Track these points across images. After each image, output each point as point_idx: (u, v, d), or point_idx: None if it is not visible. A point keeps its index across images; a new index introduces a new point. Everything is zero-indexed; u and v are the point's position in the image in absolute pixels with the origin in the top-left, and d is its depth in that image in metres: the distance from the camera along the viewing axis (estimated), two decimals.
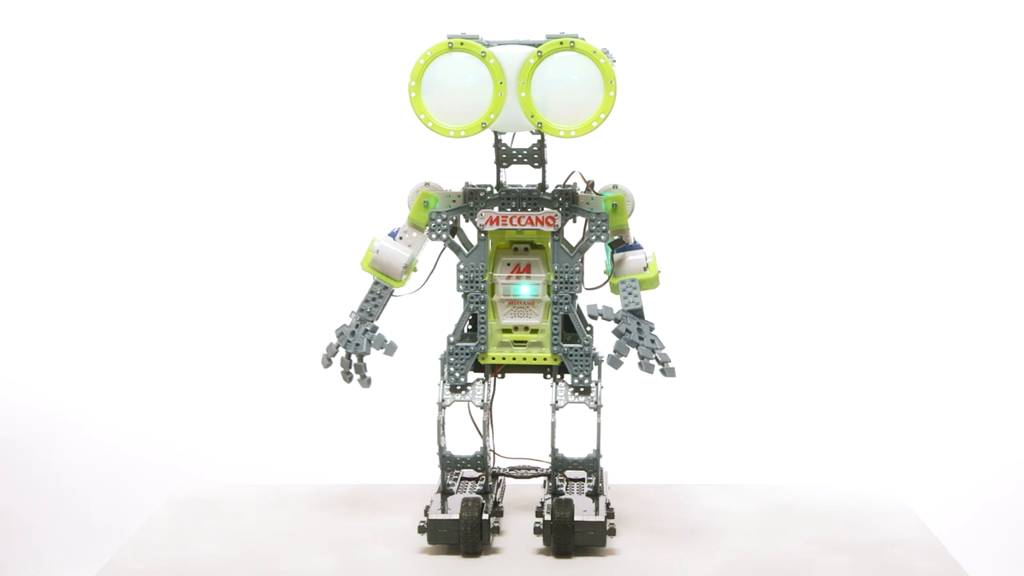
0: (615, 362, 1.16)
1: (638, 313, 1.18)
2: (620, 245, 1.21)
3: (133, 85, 1.91)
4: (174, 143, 1.92)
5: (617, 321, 1.17)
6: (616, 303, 1.19)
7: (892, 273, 1.90)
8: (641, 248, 1.21)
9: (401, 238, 1.21)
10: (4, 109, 1.92)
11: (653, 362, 1.16)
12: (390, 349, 1.20)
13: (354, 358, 1.21)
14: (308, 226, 1.91)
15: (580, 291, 1.20)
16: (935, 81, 1.89)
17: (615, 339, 1.16)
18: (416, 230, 1.21)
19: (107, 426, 1.87)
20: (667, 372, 1.16)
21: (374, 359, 1.21)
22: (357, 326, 1.21)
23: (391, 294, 1.22)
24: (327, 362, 1.22)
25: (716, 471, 1.76)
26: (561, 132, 1.13)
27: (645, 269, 1.20)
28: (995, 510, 1.79)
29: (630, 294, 1.19)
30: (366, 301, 1.21)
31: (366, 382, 1.22)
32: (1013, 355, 1.88)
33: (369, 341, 1.20)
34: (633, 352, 1.16)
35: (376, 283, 1.21)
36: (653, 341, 1.16)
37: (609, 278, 1.21)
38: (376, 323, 1.21)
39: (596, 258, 1.22)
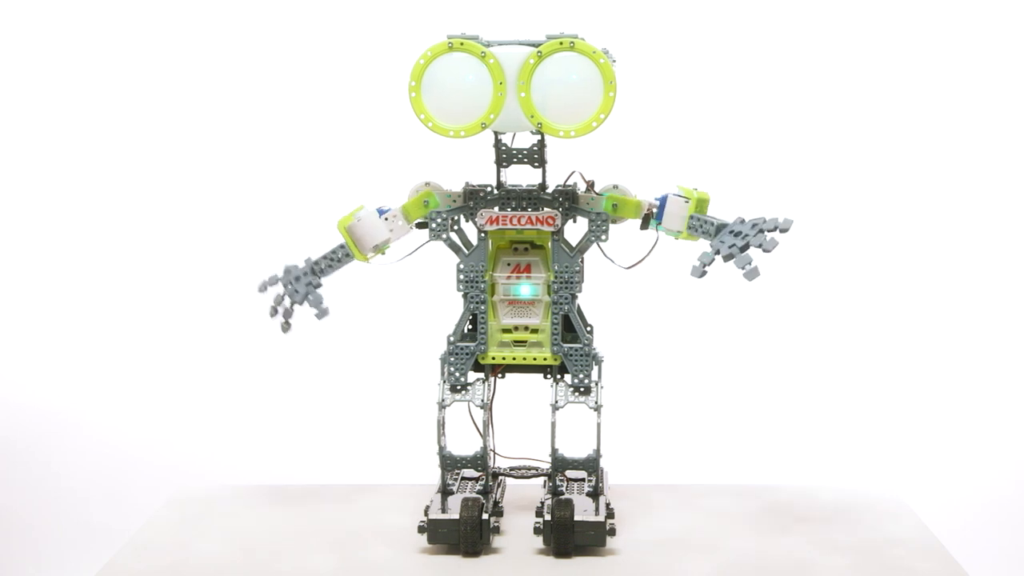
0: (752, 274, 1.12)
1: (722, 228, 1.15)
2: (650, 219, 1.19)
3: (134, 86, 1.91)
4: (175, 144, 1.92)
5: (717, 252, 1.13)
6: (702, 247, 1.15)
7: (892, 273, 1.90)
8: (666, 196, 1.19)
9: (387, 219, 1.21)
10: (4, 109, 1.92)
11: (770, 235, 1.11)
12: (322, 313, 1.21)
13: (287, 300, 1.22)
14: (308, 226, 1.90)
15: (580, 291, 1.20)
16: (935, 81, 1.89)
17: (735, 266, 1.12)
18: (404, 219, 1.21)
19: (107, 426, 1.87)
20: (783, 227, 1.12)
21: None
22: (305, 274, 1.22)
23: (350, 262, 1.22)
24: (263, 289, 1.23)
25: (716, 471, 1.76)
26: (561, 132, 1.13)
27: (687, 203, 1.17)
28: (995, 510, 1.79)
29: (701, 226, 1.16)
30: (324, 258, 1.23)
31: (287, 327, 1.23)
32: (1013, 355, 1.88)
33: (307, 295, 1.21)
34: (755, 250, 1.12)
35: (342, 246, 1.22)
36: (754, 226, 1.13)
37: (674, 236, 1.18)
38: (322, 281, 1.22)
39: (597, 258, 1.22)
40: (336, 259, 1.22)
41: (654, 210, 1.19)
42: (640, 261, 1.20)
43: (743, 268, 1.12)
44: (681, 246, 1.21)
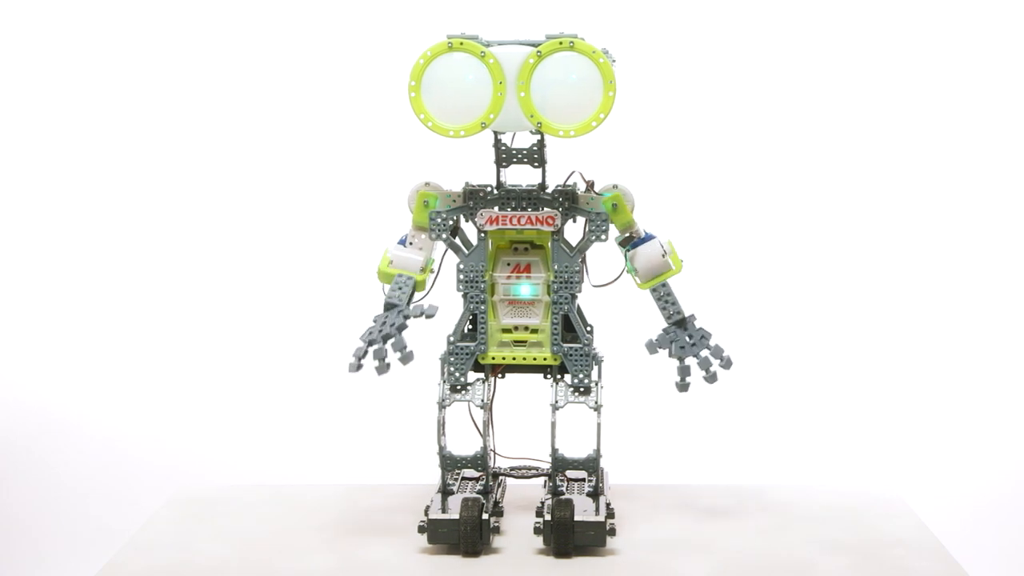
0: (684, 387, 1.20)
1: (682, 324, 1.20)
2: (630, 241, 1.20)
3: (134, 87, 1.91)
4: (174, 144, 1.92)
5: (671, 345, 1.20)
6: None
7: (892, 273, 1.90)
8: (653, 237, 1.21)
9: (411, 243, 1.21)
10: (4, 109, 1.92)
11: (714, 368, 1.19)
12: (406, 357, 1.16)
13: (377, 344, 1.15)
14: (309, 227, 1.91)
15: (580, 291, 1.20)
16: (935, 81, 1.89)
17: (676, 363, 1.20)
18: (423, 232, 1.21)
19: (107, 426, 1.87)
20: (725, 364, 1.20)
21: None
22: (387, 315, 1.17)
23: (414, 283, 1.19)
24: (358, 367, 1.16)
25: (716, 471, 1.76)
26: (561, 132, 1.13)
27: (664, 257, 1.19)
28: (995, 510, 1.79)
29: (668, 304, 1.21)
30: (392, 293, 1.19)
31: (408, 357, 1.15)
32: (1013, 355, 1.88)
33: (406, 317, 1.16)
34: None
35: (400, 276, 1.19)
36: (710, 348, 1.20)
37: (634, 279, 1.21)
38: (406, 313, 1.16)
39: (597, 258, 1.22)
40: (403, 286, 1.18)
41: (635, 237, 1.20)
42: (609, 283, 1.22)
43: (680, 377, 1.20)
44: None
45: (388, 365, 1.16)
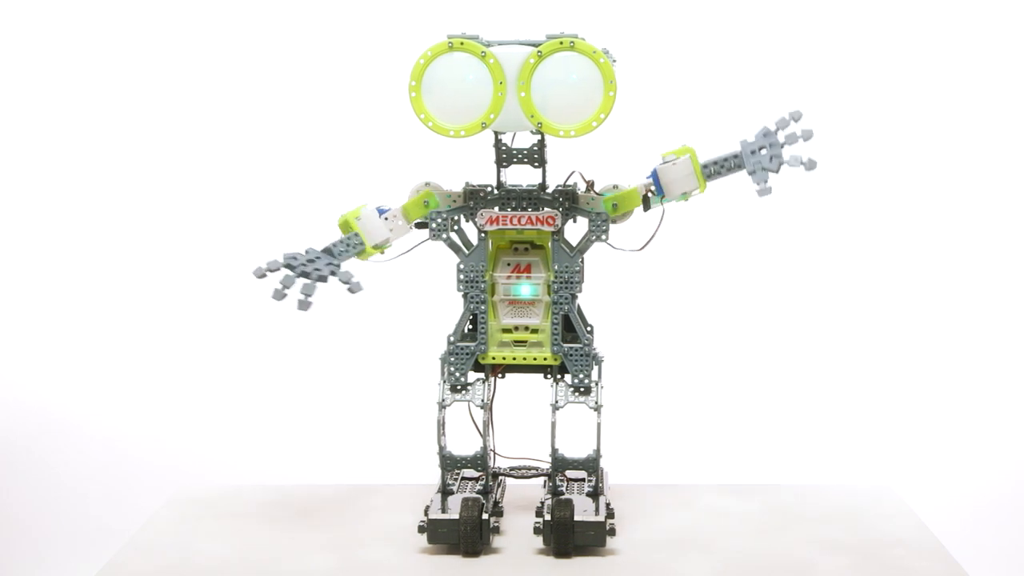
0: (812, 164, 1.17)
1: (740, 155, 1.18)
2: (651, 196, 1.18)
3: (133, 86, 1.91)
4: (175, 144, 1.92)
5: (767, 170, 1.18)
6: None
7: (892, 273, 1.90)
8: (654, 171, 1.18)
9: (387, 219, 1.21)
10: (4, 109, 1.92)
11: (804, 143, 1.17)
12: (355, 287, 1.19)
13: (301, 280, 1.19)
14: (309, 226, 1.90)
15: (580, 291, 1.20)
16: (935, 82, 1.89)
17: (789, 167, 1.18)
18: (404, 219, 1.21)
19: (107, 426, 1.87)
20: (795, 116, 1.17)
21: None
22: (319, 257, 1.20)
23: (359, 251, 1.20)
24: (262, 275, 1.19)
25: (716, 471, 1.76)
26: (561, 132, 1.13)
27: (676, 161, 1.17)
28: (995, 510, 1.79)
29: (724, 163, 1.18)
30: (339, 243, 1.20)
31: (307, 304, 1.19)
32: (1013, 355, 1.88)
33: (333, 272, 1.19)
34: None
35: (356, 235, 1.20)
36: (767, 134, 1.18)
37: (695, 195, 1.20)
38: (335, 270, 1.20)
39: (598, 258, 1.22)
40: (351, 245, 1.20)
41: (652, 189, 1.19)
42: (650, 240, 1.20)
43: (801, 164, 1.17)
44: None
45: (285, 296, 1.19)
